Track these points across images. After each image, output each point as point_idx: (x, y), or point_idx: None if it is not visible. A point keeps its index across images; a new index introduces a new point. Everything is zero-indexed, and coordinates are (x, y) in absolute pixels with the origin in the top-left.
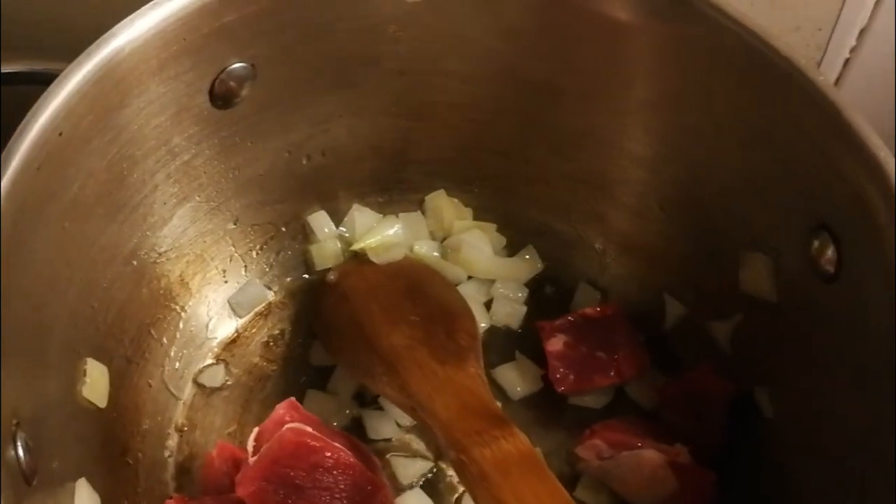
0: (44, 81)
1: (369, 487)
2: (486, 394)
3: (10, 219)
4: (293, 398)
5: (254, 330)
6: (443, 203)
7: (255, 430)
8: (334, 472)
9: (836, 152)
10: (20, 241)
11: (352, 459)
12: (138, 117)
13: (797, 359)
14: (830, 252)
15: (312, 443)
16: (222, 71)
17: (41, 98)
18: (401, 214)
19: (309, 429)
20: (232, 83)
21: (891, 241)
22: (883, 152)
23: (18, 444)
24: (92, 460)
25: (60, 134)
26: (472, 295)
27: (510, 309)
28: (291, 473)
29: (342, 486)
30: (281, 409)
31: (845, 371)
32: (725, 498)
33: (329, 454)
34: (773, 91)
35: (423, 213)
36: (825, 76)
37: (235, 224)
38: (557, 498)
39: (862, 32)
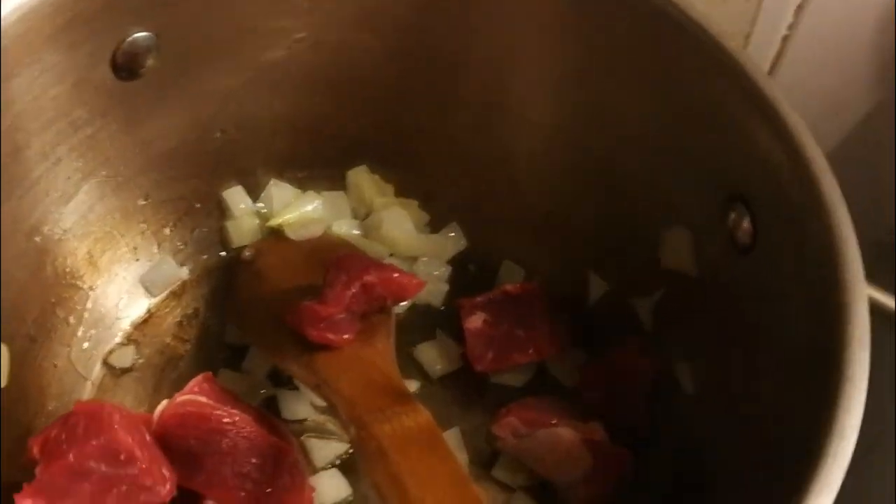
0: None
1: (273, 452)
2: (393, 370)
3: None
4: (209, 372)
5: (167, 310)
6: (364, 179)
7: (164, 402)
8: (231, 436)
9: (749, 122)
10: None
11: (252, 424)
12: (32, 87)
13: (717, 334)
14: (746, 223)
15: (204, 410)
16: (123, 41)
17: None
18: (323, 192)
19: (202, 398)
20: (134, 53)
21: (801, 210)
22: (793, 119)
23: None
24: None
25: None
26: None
27: (432, 287)
28: (185, 442)
29: (243, 451)
30: (194, 382)
31: (763, 345)
32: (642, 475)
33: (224, 419)
34: (686, 62)
35: (346, 190)
36: (737, 42)
37: (146, 200)
38: (453, 473)
39: (799, 9)
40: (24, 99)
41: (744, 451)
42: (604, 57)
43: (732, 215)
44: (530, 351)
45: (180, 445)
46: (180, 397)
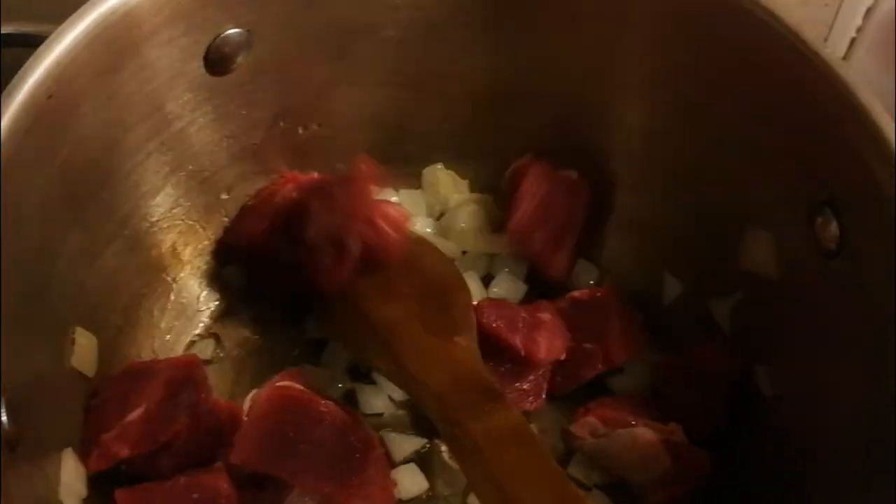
0: (36, 44)
1: (361, 445)
2: (479, 367)
3: None
4: (296, 368)
5: (246, 303)
6: (440, 176)
7: (253, 391)
8: (325, 426)
9: (841, 127)
10: (8, 206)
11: (344, 415)
12: (131, 82)
13: (798, 337)
14: (833, 228)
15: (304, 396)
16: (217, 37)
17: (30, 59)
18: (401, 190)
19: (298, 385)
20: (227, 49)
21: (893, 217)
22: (889, 128)
23: (2, 411)
24: (79, 430)
25: (50, 97)
26: (468, 270)
27: (509, 285)
28: (282, 428)
29: (333, 441)
30: (284, 374)
31: (846, 350)
32: (720, 477)
33: (320, 408)
34: (779, 65)
35: (422, 187)
36: (832, 50)
37: (228, 194)
38: (548, 472)
39: (868, 12)
40: (123, 93)
41: (825, 457)
42: (696, 58)
43: (819, 220)
44: (599, 364)
45: (275, 430)
46: (279, 382)
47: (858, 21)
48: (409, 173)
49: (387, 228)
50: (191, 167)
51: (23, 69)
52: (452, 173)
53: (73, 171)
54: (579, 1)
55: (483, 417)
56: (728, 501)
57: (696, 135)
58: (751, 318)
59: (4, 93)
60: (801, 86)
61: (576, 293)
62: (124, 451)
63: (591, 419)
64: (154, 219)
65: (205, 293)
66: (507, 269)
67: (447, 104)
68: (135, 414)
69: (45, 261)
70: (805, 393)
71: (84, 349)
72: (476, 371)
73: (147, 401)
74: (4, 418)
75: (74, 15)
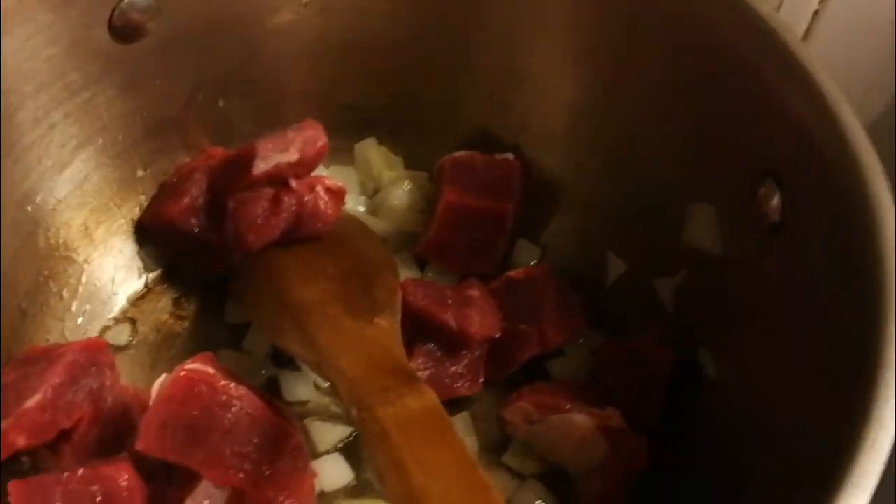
0: None
1: (276, 433)
2: (398, 349)
3: None
4: (208, 353)
5: (164, 286)
6: (372, 152)
7: (163, 375)
8: (237, 413)
9: (784, 94)
10: None
11: (257, 401)
12: (24, 47)
13: (742, 317)
14: (776, 200)
15: (212, 381)
16: (121, 1)
17: None
18: (331, 166)
19: (210, 369)
20: (134, 14)
21: (837, 184)
22: (829, 85)
23: None
24: None
25: None
26: (400, 250)
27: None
28: (189, 414)
29: (245, 429)
30: (196, 358)
31: (789, 330)
32: (659, 462)
33: (231, 393)
34: (716, 35)
35: (353, 163)
36: (770, 7)
37: (145, 170)
38: (459, 459)
39: None
40: (17, 59)
41: (769, 441)
42: (626, 22)
43: (761, 191)
44: (534, 346)
45: (182, 417)
46: (188, 365)
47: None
48: (339, 148)
49: (324, 199)
50: (101, 140)
51: None
52: (385, 149)
53: None
54: None
55: (396, 401)
56: (668, 488)
57: (635, 107)
58: (694, 297)
59: None
60: (746, 56)
61: (512, 273)
62: (21, 441)
63: (524, 404)
64: (61, 196)
65: (120, 275)
66: None
67: (375, 77)
68: (32, 401)
69: None
70: (748, 375)
71: None
72: (393, 353)
73: (46, 385)
74: None
75: None
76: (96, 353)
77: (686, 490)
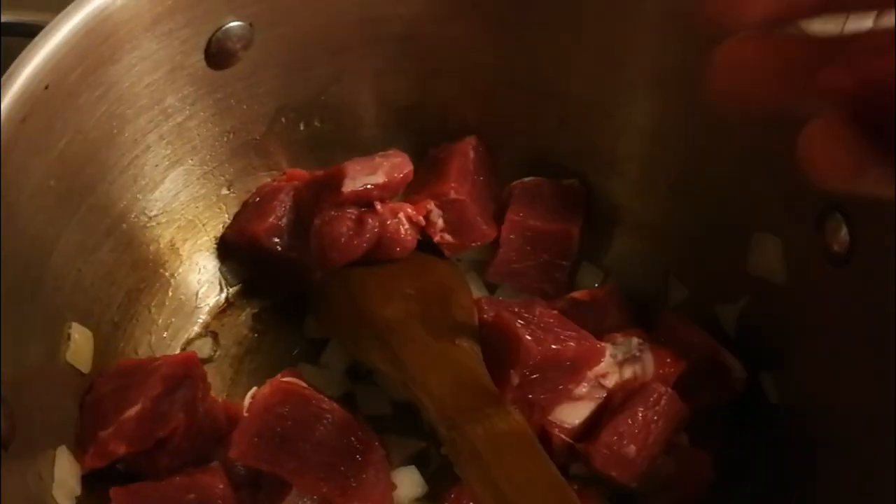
0: (35, 34)
1: (362, 446)
2: (481, 370)
3: None
4: (294, 368)
5: (244, 300)
6: None
7: (254, 388)
8: (327, 425)
9: None
10: (4, 195)
11: (345, 414)
12: (130, 74)
13: (804, 344)
14: (842, 234)
15: (306, 393)
16: (218, 29)
17: (26, 49)
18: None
19: (302, 383)
20: (228, 43)
21: None
22: None
23: None
24: (74, 427)
25: (46, 87)
26: (469, 272)
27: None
28: (283, 425)
29: (334, 441)
30: (283, 374)
31: (853, 357)
32: (722, 485)
33: (323, 406)
34: None
35: None
36: None
37: (229, 189)
38: (548, 478)
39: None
40: (122, 85)
41: (827, 465)
42: (702, 57)
43: (829, 224)
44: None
45: (276, 427)
46: (282, 377)
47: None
48: None
49: (405, 226)
50: (191, 161)
51: (19, 59)
52: None
53: (71, 162)
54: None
55: (483, 421)
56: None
57: (704, 137)
58: (757, 323)
59: (1, 82)
60: None
61: (576, 294)
62: (121, 449)
63: None
64: (152, 213)
65: (203, 290)
66: None
67: (450, 103)
68: (132, 411)
69: (40, 253)
70: (809, 399)
71: (80, 345)
72: (477, 374)
73: (144, 397)
74: None
75: (71, 5)
76: (190, 366)
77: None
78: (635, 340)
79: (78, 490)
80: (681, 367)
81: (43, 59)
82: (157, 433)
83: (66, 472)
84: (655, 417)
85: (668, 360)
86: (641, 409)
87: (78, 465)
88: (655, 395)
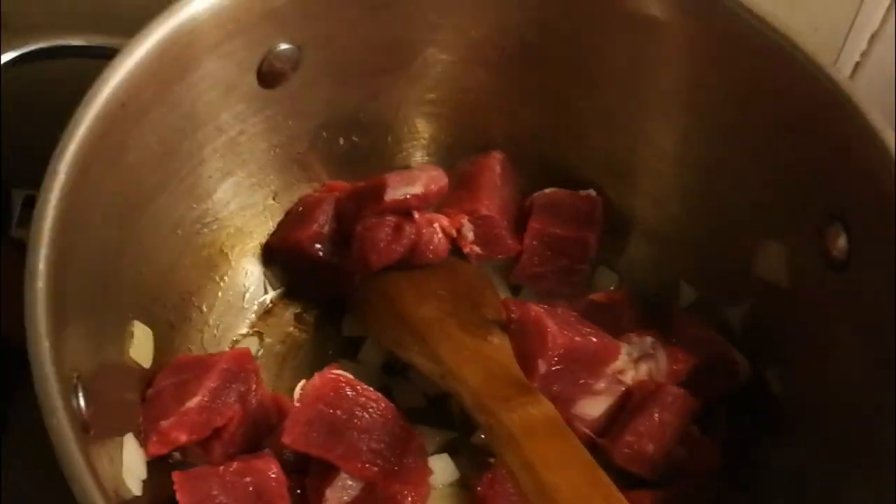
0: (99, 55)
1: (403, 433)
2: (512, 364)
3: (73, 180)
4: (334, 363)
5: (286, 302)
6: None
7: (303, 381)
8: (371, 413)
9: (851, 145)
10: (81, 203)
11: (387, 404)
12: (191, 92)
13: (805, 341)
14: (842, 241)
15: (353, 384)
16: (270, 52)
17: (106, 69)
18: None
19: (350, 375)
20: (278, 64)
21: None
22: (892, 138)
23: (80, 395)
24: (136, 419)
25: (123, 105)
26: (493, 276)
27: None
28: (332, 413)
29: (378, 429)
30: (331, 368)
31: (852, 355)
32: (731, 467)
33: (369, 395)
34: (794, 87)
35: None
36: (843, 72)
37: (275, 200)
38: (581, 459)
39: (872, 37)
40: (185, 103)
41: (828, 455)
42: (718, 81)
43: (829, 232)
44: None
45: (326, 416)
46: (330, 371)
47: (863, 46)
48: None
49: (439, 235)
50: (240, 173)
51: (100, 78)
52: None
53: (137, 174)
54: (610, 20)
55: (518, 409)
56: (737, 488)
57: (715, 153)
58: (762, 323)
59: (83, 101)
60: (813, 106)
61: (594, 296)
62: (182, 437)
63: None
64: (205, 220)
65: (250, 293)
66: None
67: (480, 118)
68: (192, 402)
69: (110, 258)
70: (810, 391)
71: (141, 341)
72: (509, 367)
73: (204, 389)
74: (82, 402)
75: (146, 28)
76: (244, 361)
77: (755, 492)
78: (649, 339)
79: (144, 474)
80: (692, 363)
81: (121, 80)
82: (215, 422)
83: (133, 457)
84: (670, 418)
85: (680, 357)
86: (657, 410)
87: (142, 452)
88: (671, 398)
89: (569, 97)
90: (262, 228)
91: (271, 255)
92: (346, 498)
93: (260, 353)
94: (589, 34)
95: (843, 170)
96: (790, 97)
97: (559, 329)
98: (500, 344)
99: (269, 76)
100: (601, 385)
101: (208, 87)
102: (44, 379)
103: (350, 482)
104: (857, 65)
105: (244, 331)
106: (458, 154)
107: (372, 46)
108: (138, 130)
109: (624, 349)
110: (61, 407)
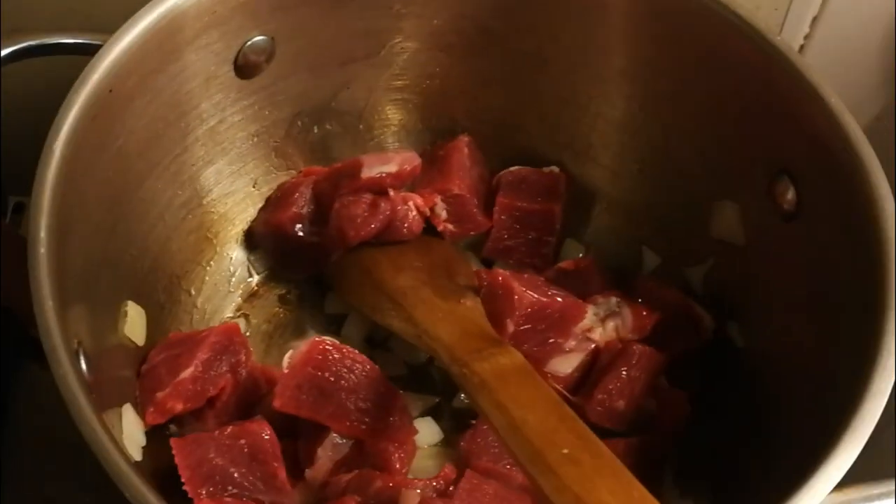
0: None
1: (388, 393)
2: (484, 321)
3: (67, 158)
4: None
5: (271, 283)
6: None
7: (290, 351)
8: (357, 374)
9: (795, 105)
10: (75, 182)
11: (372, 365)
12: (172, 82)
13: (763, 294)
14: (790, 193)
15: (339, 348)
16: (245, 43)
17: (94, 57)
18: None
19: (335, 340)
20: (253, 55)
21: (842, 179)
22: (834, 100)
23: (82, 359)
24: (133, 392)
25: (111, 91)
26: (467, 251)
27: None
28: (320, 375)
29: (364, 389)
30: (315, 338)
31: (804, 303)
32: (699, 418)
33: (354, 357)
34: (740, 55)
35: None
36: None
37: (254, 187)
38: (548, 398)
39: (814, 20)
40: (166, 92)
41: (788, 403)
42: (666, 52)
43: (778, 186)
44: None
45: (314, 378)
46: (317, 339)
47: (806, 29)
48: None
49: (413, 212)
50: (221, 161)
51: (89, 65)
52: None
53: (127, 158)
54: (568, 10)
55: (489, 359)
56: (698, 445)
57: (666, 121)
58: (722, 280)
59: (74, 86)
60: (757, 71)
61: (562, 264)
62: (178, 406)
63: None
64: (191, 206)
65: (236, 276)
66: None
67: (445, 102)
68: (186, 373)
69: (103, 238)
70: (770, 343)
71: (134, 320)
72: (481, 324)
73: (196, 361)
74: (84, 366)
75: (131, 19)
76: (233, 334)
77: (722, 437)
78: (614, 299)
79: (143, 441)
80: (655, 318)
81: (108, 67)
82: (208, 392)
83: (132, 426)
84: (638, 373)
85: (645, 313)
86: (625, 368)
87: (140, 422)
88: (637, 354)
89: (528, 80)
90: (244, 215)
91: (254, 240)
92: (336, 457)
93: (248, 333)
94: (545, 18)
95: (790, 128)
96: (735, 64)
97: (525, 290)
98: (472, 306)
99: (245, 67)
100: (571, 343)
101: (189, 78)
102: (50, 333)
103: (339, 441)
104: (801, 48)
105: (231, 313)
106: (427, 139)
107: (341, 37)
108: (125, 116)
109: (591, 309)
110: (67, 361)
